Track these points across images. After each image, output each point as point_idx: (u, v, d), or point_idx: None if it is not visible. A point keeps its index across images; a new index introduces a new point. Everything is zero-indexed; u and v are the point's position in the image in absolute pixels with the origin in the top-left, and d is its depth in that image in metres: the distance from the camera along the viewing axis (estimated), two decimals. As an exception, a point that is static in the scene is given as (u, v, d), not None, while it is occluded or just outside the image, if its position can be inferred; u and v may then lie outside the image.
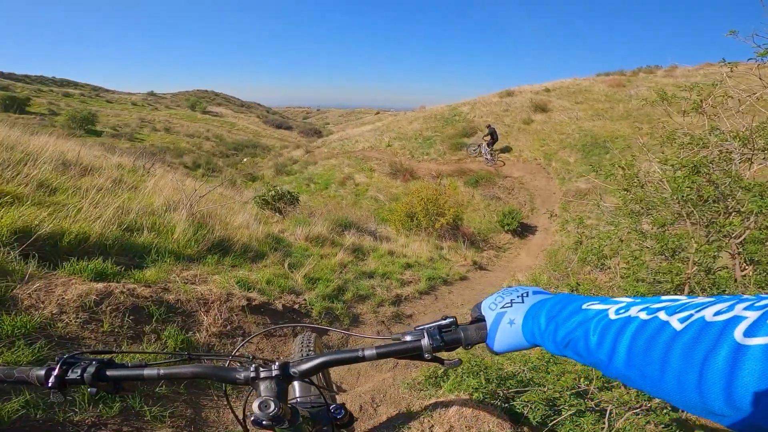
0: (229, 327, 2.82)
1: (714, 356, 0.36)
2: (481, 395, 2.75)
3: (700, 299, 0.44)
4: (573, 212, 11.37)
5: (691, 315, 0.42)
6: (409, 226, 10.57)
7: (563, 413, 2.65)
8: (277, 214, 7.39)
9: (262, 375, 0.75)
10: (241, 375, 0.76)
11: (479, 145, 16.76)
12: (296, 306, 3.51)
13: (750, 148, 2.48)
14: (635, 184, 2.96)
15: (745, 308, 0.38)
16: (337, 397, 2.82)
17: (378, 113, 52.68)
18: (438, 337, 0.72)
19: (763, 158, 2.51)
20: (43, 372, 0.72)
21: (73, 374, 0.72)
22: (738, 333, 0.35)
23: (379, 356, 0.74)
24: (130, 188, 4.25)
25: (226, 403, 2.14)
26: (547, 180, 15.52)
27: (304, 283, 4.02)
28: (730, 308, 0.39)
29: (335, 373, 3.07)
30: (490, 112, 20.97)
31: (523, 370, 3.06)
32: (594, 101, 20.19)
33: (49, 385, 0.70)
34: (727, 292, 2.28)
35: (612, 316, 0.49)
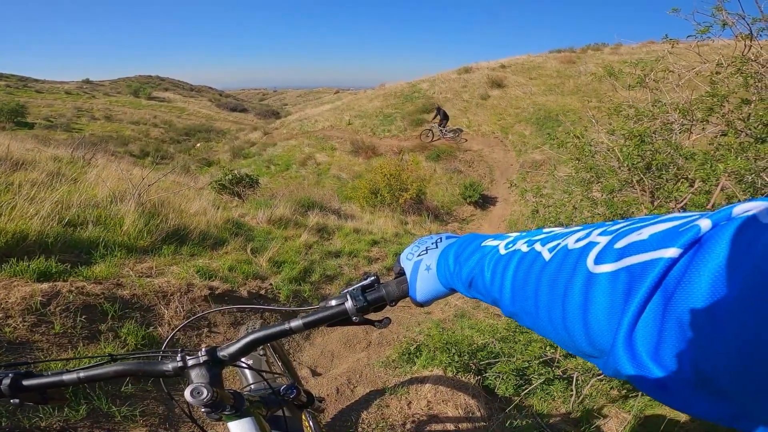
0: (199, 314, 2.68)
1: (572, 287, 0.34)
2: (454, 369, 2.78)
3: (576, 227, 0.42)
4: (530, 182, 11.62)
5: (558, 244, 0.39)
6: (373, 202, 10.52)
7: (534, 382, 2.73)
8: (236, 198, 7.14)
9: (190, 363, 0.72)
10: (169, 366, 0.73)
11: (430, 129, 16.79)
12: (262, 291, 3.40)
13: (689, 119, 2.60)
14: (586, 153, 3.04)
15: (600, 233, 0.36)
16: (306, 371, 2.78)
17: (337, 92, 51.67)
18: (361, 297, 0.70)
19: (702, 128, 2.62)
20: None
21: None
22: (590, 260, 0.33)
23: (306, 326, 0.72)
24: (70, 181, 3.91)
25: (172, 398, 2.05)
26: (505, 152, 15.84)
27: (268, 267, 3.90)
28: (588, 234, 0.37)
29: (308, 357, 3.01)
30: (449, 89, 21.13)
31: (492, 342, 3.13)
32: (547, 77, 20.75)
33: None
34: None
35: (502, 251, 0.48)
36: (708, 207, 2.20)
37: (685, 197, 2.37)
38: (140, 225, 3.32)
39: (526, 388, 2.77)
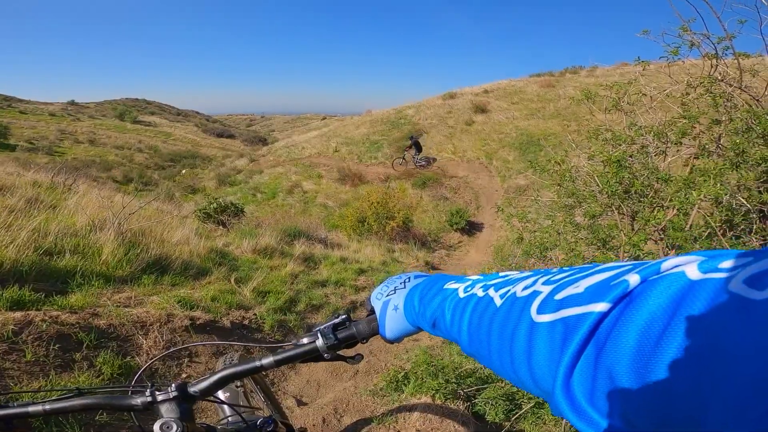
0: (172, 349, 2.61)
1: (518, 333, 0.36)
2: (442, 396, 2.73)
3: (527, 273, 0.44)
4: (515, 208, 11.79)
5: (509, 290, 0.41)
6: (360, 230, 10.50)
7: (524, 407, 2.69)
8: (220, 227, 7.06)
9: (160, 398, 0.72)
10: (138, 401, 0.72)
11: (403, 157, 17.07)
12: (246, 321, 3.32)
13: (663, 142, 2.64)
14: (567, 179, 3.07)
15: (544, 282, 0.38)
16: (292, 401, 2.69)
17: (324, 118, 52.19)
18: (332, 335, 0.72)
19: (676, 150, 2.67)
20: None
21: None
22: (533, 309, 0.35)
23: (278, 363, 0.74)
24: (48, 208, 3.84)
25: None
26: (489, 178, 16.07)
27: (253, 297, 3.82)
28: (534, 282, 0.39)
29: (294, 386, 2.93)
30: (434, 114, 21.48)
31: (480, 368, 3.09)
32: (528, 101, 21.27)
33: None
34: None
35: (461, 294, 0.50)
36: (686, 229, 2.25)
37: (663, 222, 2.42)
38: (119, 254, 3.24)
39: (517, 413, 2.72)
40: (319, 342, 0.72)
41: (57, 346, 2.15)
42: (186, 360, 2.63)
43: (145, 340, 2.55)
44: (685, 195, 2.14)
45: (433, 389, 2.75)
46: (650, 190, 2.48)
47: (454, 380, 2.85)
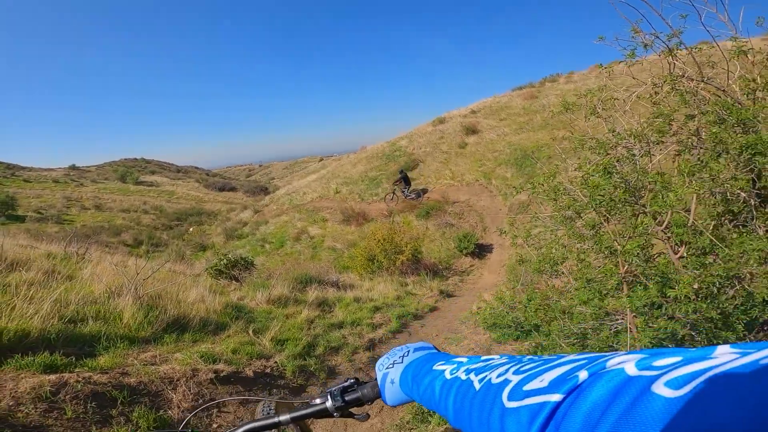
0: (201, 400, 2.71)
1: (492, 416, 0.41)
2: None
3: (503, 360, 0.51)
4: (520, 225, 11.76)
5: (486, 375, 0.47)
6: (371, 269, 10.52)
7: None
8: (233, 281, 7.14)
9: None
10: None
11: (393, 192, 17.33)
12: (267, 370, 3.36)
13: (645, 143, 2.68)
14: (560, 192, 3.10)
15: (515, 371, 0.44)
16: None
17: (321, 160, 52.90)
18: (339, 398, 0.81)
19: (660, 150, 2.71)
20: None
21: None
22: (504, 396, 0.40)
23: (293, 420, 0.83)
24: (66, 279, 4.00)
25: None
26: (491, 198, 16.09)
27: (272, 346, 3.86)
28: (507, 370, 0.45)
29: (321, 425, 2.92)
30: (427, 142, 21.60)
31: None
32: (515, 115, 21.43)
33: None
34: (669, 276, 2.40)
35: (447, 376, 0.56)
36: (662, 228, 2.28)
37: (666, 219, 2.47)
38: (140, 317, 3.35)
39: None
40: (329, 403, 0.81)
41: (93, 403, 2.28)
42: (215, 410, 2.71)
43: (174, 394, 2.64)
44: (663, 198, 2.19)
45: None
46: (644, 192, 2.52)
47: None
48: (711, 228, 2.59)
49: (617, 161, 2.74)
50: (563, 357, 0.42)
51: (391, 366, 0.75)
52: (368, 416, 0.87)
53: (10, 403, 2.06)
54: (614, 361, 0.34)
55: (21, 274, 3.78)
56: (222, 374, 2.96)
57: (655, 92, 2.68)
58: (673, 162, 2.68)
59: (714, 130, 2.35)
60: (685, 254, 2.57)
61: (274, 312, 5.03)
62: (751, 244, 2.23)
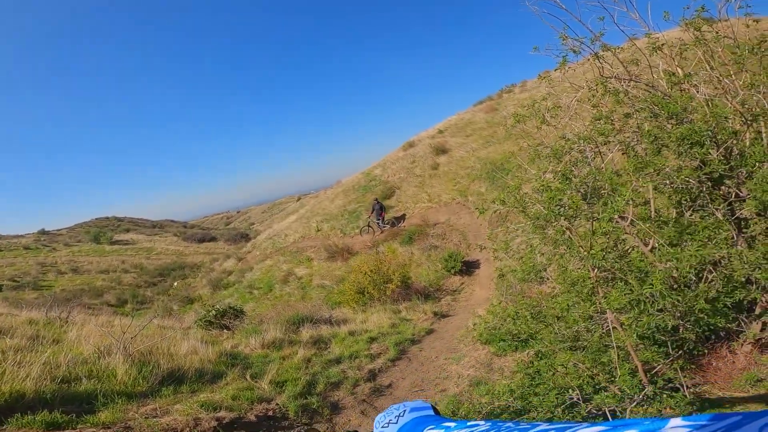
0: None
1: None
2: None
3: (488, 425, 0.54)
4: (499, 239, 12.03)
5: None
6: (362, 301, 10.49)
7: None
8: (225, 330, 7.03)
9: None
10: None
11: (368, 225, 17.49)
12: (270, 413, 3.33)
13: (594, 145, 2.83)
14: (527, 203, 3.14)
15: None
16: None
17: (299, 199, 52.72)
18: None
19: (607, 149, 2.86)
20: None
21: None
22: None
23: None
24: (52, 342, 3.96)
25: None
26: (470, 215, 16.28)
27: (271, 388, 3.83)
28: None
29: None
30: (401, 168, 21.79)
31: (511, 400, 3.08)
32: (480, 130, 21.94)
33: None
34: (646, 269, 2.49)
35: None
36: (627, 224, 2.40)
37: (629, 215, 2.61)
38: (134, 373, 3.34)
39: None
40: None
41: None
42: None
43: None
44: (612, 206, 2.27)
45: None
46: (603, 192, 2.65)
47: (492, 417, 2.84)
48: (674, 216, 2.71)
49: (573, 166, 2.87)
50: (538, 426, 0.46)
51: (386, 426, 0.79)
52: None
53: None
54: None
55: (5, 341, 3.75)
56: (224, 421, 2.93)
57: (592, 95, 2.83)
58: (624, 157, 2.82)
59: (648, 128, 2.51)
60: (656, 245, 2.68)
61: (269, 355, 4.98)
62: (717, 230, 2.34)
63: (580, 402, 2.75)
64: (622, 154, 2.81)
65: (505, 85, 27.74)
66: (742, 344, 3.06)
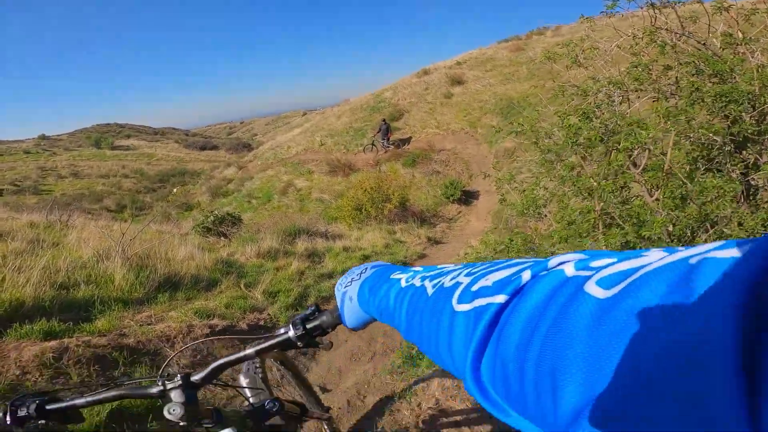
0: (199, 356, 2.78)
1: (442, 321, 0.39)
2: (457, 366, 2.85)
3: (458, 266, 0.47)
4: (505, 171, 11.96)
5: (440, 281, 0.44)
6: (359, 218, 10.59)
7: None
8: (222, 238, 7.16)
9: (169, 386, 0.87)
10: (154, 390, 0.89)
11: (372, 144, 17.26)
12: (261, 322, 3.47)
13: (624, 90, 2.75)
14: (541, 137, 3.18)
15: (466, 274, 0.41)
16: (317, 389, 2.83)
17: (305, 114, 51.53)
18: (300, 327, 0.84)
19: (637, 97, 2.78)
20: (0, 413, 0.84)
21: (21, 412, 0.84)
22: (454, 299, 0.38)
23: (258, 353, 0.87)
24: (52, 246, 3.99)
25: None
26: (477, 146, 16.08)
27: (264, 298, 3.96)
28: (459, 274, 0.42)
29: (315, 376, 3.08)
30: (412, 93, 21.28)
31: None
32: (501, 67, 21.26)
33: (8, 423, 0.83)
34: (644, 219, 2.50)
35: (403, 284, 0.53)
36: (638, 171, 2.34)
37: (642, 162, 2.53)
38: (131, 278, 3.38)
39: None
40: (291, 332, 0.84)
41: (96, 366, 2.35)
42: (210, 359, 2.80)
43: (173, 351, 2.71)
44: (635, 137, 2.25)
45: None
46: (606, 140, 2.59)
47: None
48: (687, 171, 2.65)
49: (597, 107, 2.80)
50: (511, 260, 0.39)
51: (349, 284, 0.72)
52: (331, 345, 0.90)
53: (17, 373, 2.12)
54: (555, 261, 0.33)
55: (7, 244, 3.77)
56: (217, 329, 3.05)
57: (635, 43, 2.71)
58: (651, 108, 2.73)
59: (691, 79, 2.38)
60: (660, 197, 2.64)
61: (264, 265, 5.10)
62: (727, 186, 2.29)
63: None
64: (654, 101, 2.69)
65: (537, 27, 26.32)
66: None
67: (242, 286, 4.10)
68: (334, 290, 0.81)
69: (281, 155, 20.32)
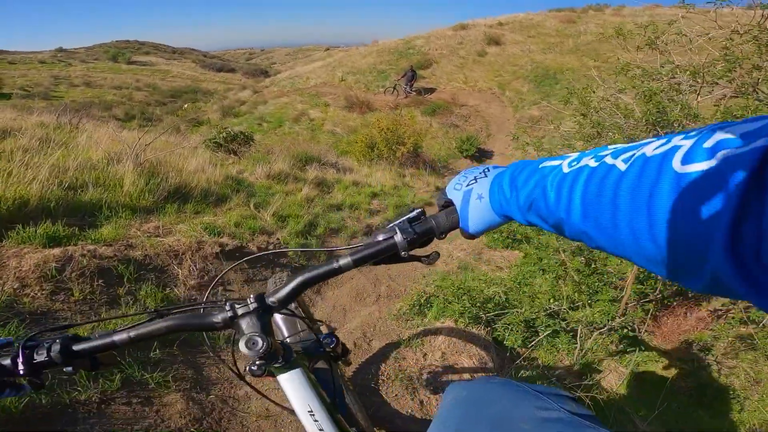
0: (206, 277, 2.65)
1: (658, 191, 0.32)
2: (466, 320, 2.81)
3: (646, 140, 0.40)
4: (531, 136, 11.62)
5: (634, 154, 0.38)
6: (370, 156, 10.38)
7: (540, 334, 2.80)
8: (232, 155, 6.98)
9: (240, 312, 0.69)
10: (219, 318, 0.69)
11: (394, 87, 16.87)
12: (271, 246, 3.37)
13: (698, 81, 2.66)
14: (592, 109, 3.12)
15: (683, 138, 0.35)
16: (324, 327, 2.81)
17: (328, 50, 49.70)
18: (410, 230, 0.67)
19: (709, 91, 2.70)
20: (8, 361, 0.62)
21: (40, 356, 0.63)
22: (676, 162, 0.32)
23: (356, 263, 0.69)
24: (61, 146, 3.76)
25: (216, 356, 2.12)
26: (501, 108, 15.65)
27: (273, 221, 3.84)
28: (668, 141, 0.36)
29: (321, 312, 3.03)
30: (445, 45, 20.66)
31: (499, 293, 3.16)
32: (546, 35, 20.53)
33: (21, 372, 0.61)
34: None
35: (566, 169, 0.46)
36: None
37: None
38: (141, 185, 3.23)
39: (533, 340, 2.83)
40: (398, 237, 0.67)
41: (100, 281, 2.17)
42: (221, 289, 2.68)
43: (180, 269, 2.58)
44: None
45: (457, 312, 2.83)
46: (678, 125, 2.51)
47: (477, 303, 2.93)
48: None
49: (661, 92, 2.72)
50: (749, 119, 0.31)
51: (473, 182, 0.63)
52: (438, 256, 0.73)
53: (15, 286, 1.93)
54: None
55: (15, 140, 3.58)
56: (227, 248, 2.92)
57: (731, 38, 2.56)
58: (715, 105, 2.64)
59: None
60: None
61: (273, 188, 4.96)
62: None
63: (560, 313, 2.85)
64: (720, 99, 2.66)
65: (596, 2, 25.00)
66: (699, 310, 3.26)
67: (252, 206, 3.97)
68: (440, 195, 0.69)
69: (298, 85, 19.80)
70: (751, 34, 2.41)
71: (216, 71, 41.51)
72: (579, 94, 3.24)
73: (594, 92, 3.17)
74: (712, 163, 0.29)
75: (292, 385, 0.77)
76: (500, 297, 3.15)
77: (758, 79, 2.45)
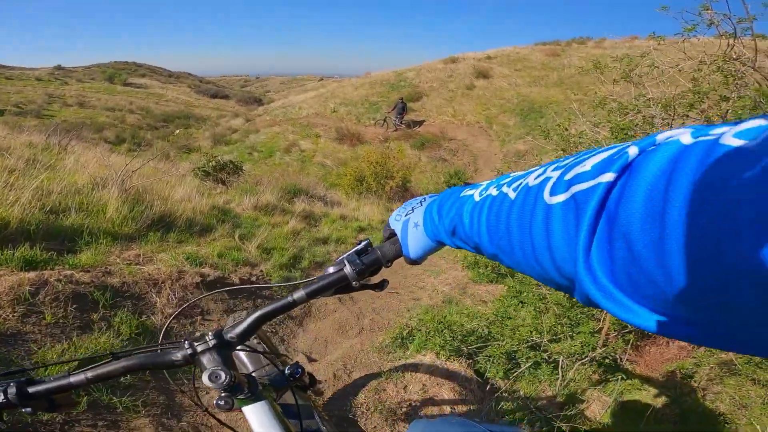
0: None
1: (534, 220, 0.36)
2: (447, 353, 2.81)
3: (535, 168, 0.44)
4: (515, 171, 11.82)
5: (521, 183, 0.41)
6: (358, 189, 10.47)
7: (522, 365, 2.79)
8: (220, 185, 7.00)
9: (200, 349, 0.70)
10: (178, 355, 0.71)
11: (385, 120, 17.21)
12: (253, 278, 3.34)
13: (670, 114, 2.71)
14: (571, 144, 3.16)
15: (554, 168, 0.38)
16: (302, 358, 2.77)
17: (322, 80, 50.72)
18: (359, 261, 0.71)
19: (681, 123, 2.71)
20: None
21: None
22: (546, 193, 0.35)
23: (309, 296, 0.72)
24: (47, 168, 3.74)
25: (180, 390, 2.07)
26: (488, 142, 15.98)
27: (258, 253, 3.83)
28: (545, 170, 0.39)
29: (302, 344, 2.99)
30: (435, 78, 21.10)
31: (482, 326, 3.17)
32: (531, 69, 21.03)
33: None
34: None
35: (477, 198, 0.50)
36: None
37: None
38: (124, 211, 3.21)
39: (515, 372, 2.82)
40: (347, 269, 0.71)
41: (74, 306, 2.13)
42: (199, 318, 2.65)
43: (159, 298, 2.55)
44: None
45: (438, 345, 2.83)
46: None
47: (458, 336, 2.93)
48: None
49: (635, 126, 2.77)
50: (605, 147, 0.35)
51: (410, 211, 0.69)
52: (388, 283, 0.76)
53: None
54: (663, 135, 0.30)
55: (2, 160, 3.56)
56: (208, 278, 2.90)
57: (699, 69, 2.66)
58: None
59: (739, 113, 2.33)
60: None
61: (260, 219, 4.96)
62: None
63: (542, 345, 2.86)
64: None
65: (579, 36, 26.17)
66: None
67: (236, 237, 3.97)
68: (388, 223, 0.74)
69: (291, 115, 20.04)
70: (716, 65, 2.51)
71: (210, 97, 41.83)
72: (556, 129, 3.31)
73: (567, 130, 3.24)
74: (567, 196, 0.32)
75: (258, 417, 0.77)
76: (482, 330, 3.16)
77: (726, 110, 2.53)
